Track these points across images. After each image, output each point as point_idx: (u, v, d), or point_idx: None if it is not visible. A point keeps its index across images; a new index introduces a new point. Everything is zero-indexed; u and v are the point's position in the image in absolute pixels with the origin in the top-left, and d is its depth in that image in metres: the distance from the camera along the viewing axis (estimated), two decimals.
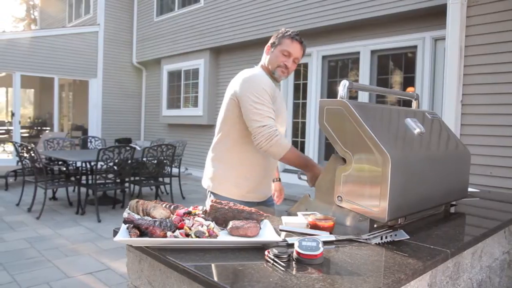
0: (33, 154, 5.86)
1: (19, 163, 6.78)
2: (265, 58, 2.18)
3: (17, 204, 6.42)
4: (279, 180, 2.59)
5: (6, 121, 14.40)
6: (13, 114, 10.59)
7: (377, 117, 1.65)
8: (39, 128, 14.27)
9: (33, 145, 6.03)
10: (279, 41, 2.11)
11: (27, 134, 13.30)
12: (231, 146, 2.11)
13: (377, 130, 1.51)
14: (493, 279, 1.90)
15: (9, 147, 12.43)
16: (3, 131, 13.68)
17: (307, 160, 2.05)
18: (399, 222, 1.63)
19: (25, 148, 6.09)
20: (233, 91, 2.05)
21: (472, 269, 1.68)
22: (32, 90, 16.12)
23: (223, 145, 2.14)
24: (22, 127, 11.75)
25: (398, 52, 6.64)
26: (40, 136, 11.43)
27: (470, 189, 2.16)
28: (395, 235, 1.44)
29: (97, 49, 11.51)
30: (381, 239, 1.40)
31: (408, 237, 1.44)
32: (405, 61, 6.65)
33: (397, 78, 6.87)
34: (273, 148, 1.93)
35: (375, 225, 1.54)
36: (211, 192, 2.17)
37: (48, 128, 13.22)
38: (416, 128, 1.74)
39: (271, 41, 2.16)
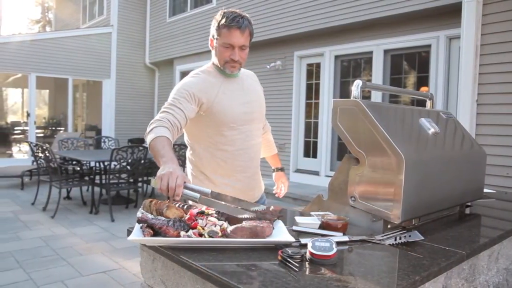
0: (48, 154, 5.94)
1: (34, 163, 6.88)
2: (213, 54, 1.97)
3: (33, 203, 6.51)
4: (280, 169, 2.40)
5: (22, 121, 14.62)
6: (28, 115, 10.76)
7: (391, 117, 1.63)
8: (53, 128, 14.45)
9: (48, 145, 6.11)
10: (217, 33, 1.87)
11: (42, 134, 13.48)
12: (197, 155, 2.02)
13: (391, 130, 1.49)
14: (510, 282, 1.87)
15: (25, 147, 12.61)
16: (19, 131, 13.88)
17: (160, 155, 1.59)
18: (413, 223, 1.61)
19: (40, 148, 6.18)
20: None
21: (489, 271, 1.65)
22: (47, 90, 16.34)
23: (188, 157, 2.07)
24: (37, 127, 11.92)
25: (411, 52, 6.58)
26: (55, 136, 11.58)
27: (485, 190, 2.12)
28: (409, 236, 1.42)
29: (111, 50, 11.62)
30: (395, 240, 1.39)
31: (423, 238, 1.43)
32: (418, 61, 6.59)
33: (410, 77, 6.81)
34: (146, 137, 1.74)
35: (388, 226, 1.53)
36: None
37: (62, 128, 13.38)
38: (431, 128, 1.72)
39: (211, 32, 1.92)
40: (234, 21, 1.83)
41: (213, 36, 1.92)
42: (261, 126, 2.15)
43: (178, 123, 1.78)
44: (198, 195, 1.39)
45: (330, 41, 7.51)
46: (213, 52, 1.97)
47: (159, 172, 1.44)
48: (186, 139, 2.07)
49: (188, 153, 2.08)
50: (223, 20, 1.84)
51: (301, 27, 7.53)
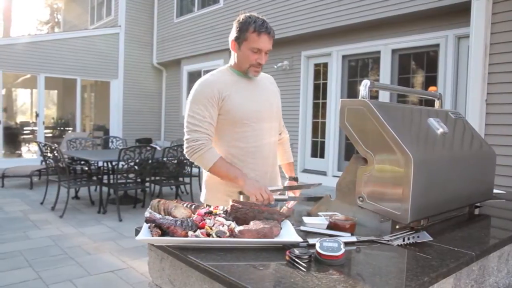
0: (56, 154, 5.99)
1: (43, 163, 6.93)
2: (234, 56, 2.02)
3: (42, 203, 6.57)
4: (294, 179, 2.39)
5: (31, 121, 14.73)
6: (37, 115, 10.85)
7: (399, 117, 1.62)
8: (62, 128, 14.56)
9: (56, 145, 6.16)
10: (244, 37, 1.92)
11: (50, 134, 13.58)
12: None
13: (399, 130, 1.49)
14: None
15: (34, 147, 12.72)
16: (28, 132, 13.99)
17: (234, 175, 1.88)
18: (421, 224, 1.60)
19: (49, 148, 6.23)
20: None
21: (499, 272, 1.64)
22: (56, 91, 16.47)
23: None
24: (46, 128, 12.02)
25: (419, 51, 6.54)
26: (63, 136, 11.67)
27: (495, 191, 2.10)
28: (418, 236, 1.41)
29: (118, 51, 11.68)
30: (403, 240, 1.38)
31: (431, 238, 1.42)
32: (427, 60, 6.54)
33: (418, 77, 6.77)
34: (198, 163, 1.92)
35: (397, 226, 1.52)
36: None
37: (70, 128, 13.47)
38: (439, 128, 1.71)
39: (234, 34, 1.97)
40: (263, 27, 1.92)
41: (236, 39, 1.97)
42: (274, 126, 2.16)
43: (212, 134, 1.95)
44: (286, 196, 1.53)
45: (337, 41, 7.49)
46: (234, 54, 2.02)
47: (248, 189, 1.82)
48: None
49: None
50: (253, 25, 1.91)
51: (309, 27, 7.51)
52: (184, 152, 1.95)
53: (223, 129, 2.00)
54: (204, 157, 1.88)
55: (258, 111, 2.02)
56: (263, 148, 2.06)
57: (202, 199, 2.15)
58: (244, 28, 1.93)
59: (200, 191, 2.24)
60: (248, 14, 1.97)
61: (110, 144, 8.97)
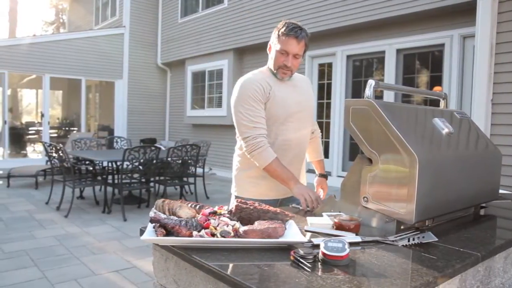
0: (61, 154, 6.02)
1: (48, 163, 6.96)
2: (269, 59, 2.13)
3: (47, 203, 6.60)
4: (323, 176, 2.45)
5: (36, 121, 14.80)
6: (42, 115, 10.90)
7: (404, 117, 1.62)
8: (67, 128, 14.61)
9: (61, 145, 6.18)
10: (276, 40, 2.04)
11: (55, 135, 13.63)
12: (240, 148, 2.16)
13: (404, 130, 1.48)
14: None
15: (39, 147, 12.78)
16: (33, 132, 14.05)
17: (287, 177, 1.98)
18: (426, 224, 1.59)
19: (54, 148, 6.25)
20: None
21: (505, 273, 1.63)
22: (61, 91, 16.53)
23: (238, 147, 2.19)
24: (51, 128, 12.07)
25: (424, 51, 6.51)
26: (68, 136, 11.71)
27: (501, 191, 2.09)
28: (423, 237, 1.41)
29: (123, 51, 11.72)
30: (408, 241, 1.37)
31: (436, 239, 1.41)
32: (432, 60, 6.52)
33: (423, 77, 6.74)
34: (255, 160, 2.01)
35: (402, 227, 1.51)
36: (235, 196, 2.21)
37: (75, 128, 13.52)
38: (445, 128, 1.70)
39: (271, 39, 2.10)
40: (292, 31, 1.98)
41: (272, 43, 2.08)
42: (310, 126, 2.27)
43: (266, 132, 2.03)
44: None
45: (341, 41, 7.48)
46: (269, 56, 2.12)
47: (297, 191, 1.92)
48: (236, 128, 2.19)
49: (237, 146, 2.21)
50: (283, 29, 2.00)
51: (313, 27, 7.51)
52: (244, 147, 2.03)
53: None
54: (262, 155, 1.97)
55: (298, 111, 2.12)
56: (297, 147, 2.17)
57: (232, 191, 2.26)
58: (276, 32, 2.04)
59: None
60: (286, 21, 2.06)
61: (114, 144, 9.00)
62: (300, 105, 2.14)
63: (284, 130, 2.09)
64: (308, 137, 2.29)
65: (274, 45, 2.06)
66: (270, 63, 2.10)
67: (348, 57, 7.52)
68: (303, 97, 2.18)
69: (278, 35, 2.02)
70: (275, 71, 2.08)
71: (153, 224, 1.37)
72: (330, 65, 7.86)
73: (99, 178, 6.74)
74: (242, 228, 1.32)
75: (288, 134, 2.11)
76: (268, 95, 2.03)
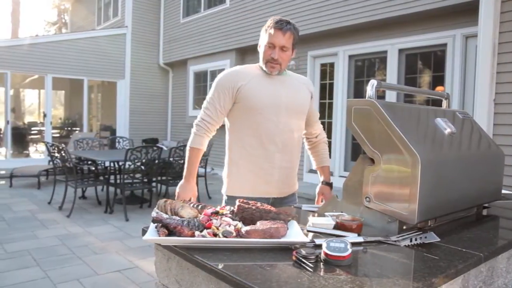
0: (63, 154, 6.03)
1: (51, 163, 6.98)
2: (260, 56, 2.16)
3: (49, 203, 6.61)
4: (327, 184, 2.36)
5: (38, 122, 14.83)
6: (45, 115, 10.92)
7: (406, 117, 1.62)
8: (69, 128, 14.64)
9: (63, 145, 6.19)
10: (264, 36, 2.08)
11: (58, 135, 13.66)
12: (230, 142, 2.18)
13: (407, 130, 1.48)
14: None
15: (41, 147, 12.82)
16: (36, 132, 14.08)
17: (187, 170, 2.12)
18: (429, 224, 1.59)
19: (56, 148, 6.27)
20: None
21: (508, 274, 1.62)
22: (63, 91, 16.56)
23: (226, 144, 2.22)
24: (53, 128, 12.10)
25: (427, 51, 6.50)
26: (70, 136, 11.74)
27: (504, 191, 2.08)
28: (425, 237, 1.40)
29: (125, 51, 11.73)
30: (411, 241, 1.37)
31: (439, 239, 1.41)
32: (434, 60, 6.50)
33: (426, 77, 6.73)
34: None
35: (404, 227, 1.51)
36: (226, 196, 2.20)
37: (77, 128, 13.54)
38: (447, 128, 1.69)
39: (260, 37, 2.14)
40: (277, 24, 2.02)
41: (261, 39, 2.11)
42: (295, 124, 2.18)
43: (215, 122, 2.11)
44: None
45: (343, 41, 7.47)
46: (259, 52, 2.13)
47: (178, 187, 2.14)
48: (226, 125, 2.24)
49: (226, 139, 2.23)
50: (269, 23, 2.05)
51: (315, 27, 7.50)
52: None
53: (239, 117, 2.10)
54: (192, 137, 2.12)
55: (276, 104, 2.08)
56: (281, 142, 2.11)
57: (223, 190, 2.25)
58: (264, 28, 2.08)
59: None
60: (274, 17, 2.09)
61: (116, 144, 9.01)
62: (280, 99, 2.08)
63: (260, 123, 2.06)
64: (296, 135, 2.20)
65: (262, 41, 2.09)
66: (260, 59, 2.12)
67: (350, 57, 7.50)
68: (289, 93, 2.12)
69: (265, 30, 2.06)
70: (264, 65, 2.09)
71: (155, 224, 1.37)
72: (332, 65, 7.85)
73: (101, 178, 6.75)
74: (244, 228, 1.32)
75: (267, 129, 2.06)
76: (238, 86, 2.05)
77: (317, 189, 2.37)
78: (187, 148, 2.13)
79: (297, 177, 2.36)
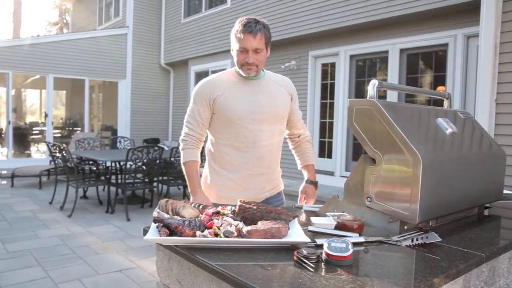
0: (65, 154, 6.03)
1: (52, 163, 6.99)
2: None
3: (50, 202, 6.62)
4: (311, 183, 2.28)
5: (40, 122, 14.85)
6: (46, 115, 10.93)
7: (407, 117, 1.61)
8: (70, 128, 14.65)
9: (65, 145, 6.20)
10: (234, 41, 2.00)
11: (59, 135, 13.66)
12: (209, 151, 2.18)
13: (408, 130, 1.48)
14: None
15: (43, 147, 12.83)
16: (37, 132, 14.09)
17: (192, 184, 2.09)
18: (430, 224, 1.59)
19: (57, 148, 6.27)
20: None
21: (509, 274, 1.62)
22: (64, 91, 16.57)
23: (205, 153, 2.23)
24: (55, 128, 12.09)
25: (428, 51, 6.49)
26: (72, 136, 11.75)
27: (505, 191, 2.08)
28: (427, 237, 1.40)
29: (126, 51, 11.74)
30: (412, 241, 1.37)
31: (440, 239, 1.41)
32: (435, 60, 6.50)
33: (427, 77, 6.72)
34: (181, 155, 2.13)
35: (405, 227, 1.51)
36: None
37: (79, 128, 13.55)
38: (448, 128, 1.69)
39: (231, 43, 2.06)
40: (246, 27, 1.94)
41: (231, 44, 2.04)
42: (277, 129, 2.14)
43: (200, 135, 2.11)
44: None
45: (345, 41, 7.46)
46: (233, 56, 2.07)
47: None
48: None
49: (207, 144, 2.23)
50: (237, 27, 1.97)
51: (316, 27, 7.49)
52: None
53: (217, 127, 2.10)
54: (183, 153, 2.11)
55: (253, 112, 2.04)
56: (258, 149, 2.07)
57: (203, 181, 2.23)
58: (232, 33, 2.01)
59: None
60: (241, 18, 2.01)
61: (118, 144, 9.01)
62: (258, 106, 2.04)
63: (240, 132, 2.03)
64: (278, 140, 2.17)
65: (233, 45, 2.01)
66: (235, 63, 2.06)
67: (351, 57, 7.50)
68: (266, 98, 2.08)
69: (234, 34, 1.98)
70: (240, 70, 2.04)
71: (157, 224, 1.37)
72: (333, 65, 7.84)
73: (102, 178, 6.76)
74: (246, 228, 1.32)
75: (245, 136, 2.03)
76: (214, 97, 2.03)
77: (301, 188, 2.29)
78: (182, 165, 2.11)
79: (293, 175, 2.32)
